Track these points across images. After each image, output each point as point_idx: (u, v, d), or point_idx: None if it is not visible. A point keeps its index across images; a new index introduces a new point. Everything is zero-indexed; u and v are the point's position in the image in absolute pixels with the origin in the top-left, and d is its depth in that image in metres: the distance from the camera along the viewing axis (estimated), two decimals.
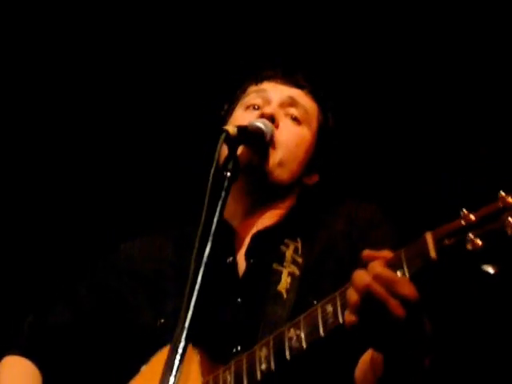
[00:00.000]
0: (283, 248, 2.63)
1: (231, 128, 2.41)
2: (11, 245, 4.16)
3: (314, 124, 2.83)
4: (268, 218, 2.73)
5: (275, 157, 2.67)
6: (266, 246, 2.64)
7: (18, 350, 2.76)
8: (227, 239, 2.70)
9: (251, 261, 2.63)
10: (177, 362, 1.97)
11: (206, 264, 2.11)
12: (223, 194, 2.26)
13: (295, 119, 2.77)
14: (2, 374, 2.72)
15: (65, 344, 2.75)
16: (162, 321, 2.56)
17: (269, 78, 2.86)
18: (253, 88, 2.86)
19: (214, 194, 2.24)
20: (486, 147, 3.65)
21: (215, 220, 2.19)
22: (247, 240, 2.68)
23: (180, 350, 1.98)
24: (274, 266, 2.59)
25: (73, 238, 4.15)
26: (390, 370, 2.13)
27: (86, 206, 4.18)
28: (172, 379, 1.95)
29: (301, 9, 3.96)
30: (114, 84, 4.17)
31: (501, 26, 3.65)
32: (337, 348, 2.26)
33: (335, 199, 2.90)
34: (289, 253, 2.61)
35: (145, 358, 2.53)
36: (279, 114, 2.74)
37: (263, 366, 2.19)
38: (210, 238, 2.16)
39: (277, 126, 2.70)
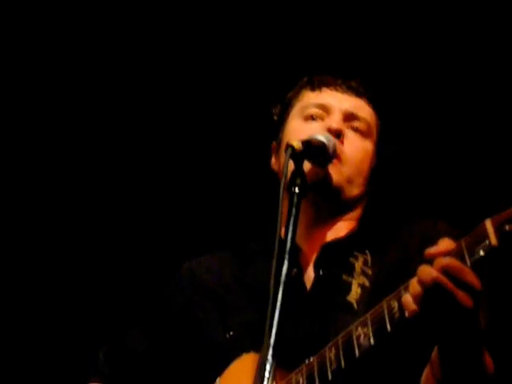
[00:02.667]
0: (352, 260, 2.64)
1: (296, 143, 2.41)
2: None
3: (374, 133, 2.81)
4: (336, 230, 2.74)
5: (342, 172, 2.67)
6: (336, 258, 2.65)
7: (96, 377, 2.81)
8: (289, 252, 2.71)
9: (321, 271, 2.64)
10: (266, 380, 1.99)
11: (284, 282, 2.13)
12: (294, 210, 2.27)
13: (359, 132, 2.75)
14: None
15: (141, 368, 2.80)
16: (231, 333, 2.59)
17: (327, 85, 2.82)
18: (310, 95, 2.82)
19: (278, 211, 2.23)
20: None
21: (289, 237, 2.21)
22: (313, 252, 2.69)
23: (268, 367, 2.01)
24: (344, 277, 2.60)
25: (127, 261, 4.20)
26: (448, 367, 2.17)
27: (151, 224, 4.21)
28: None
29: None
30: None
31: None
32: (404, 345, 2.30)
33: (403, 213, 2.91)
34: (358, 265, 2.62)
35: (216, 373, 2.57)
36: (344, 129, 2.72)
37: (333, 366, 2.21)
38: (287, 256, 2.18)
39: (342, 142, 2.69)
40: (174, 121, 4.22)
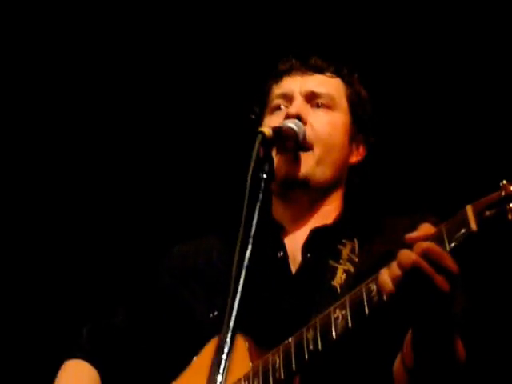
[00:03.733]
0: (340, 246, 2.66)
1: (267, 130, 2.42)
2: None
3: (344, 103, 2.81)
4: (324, 215, 2.76)
5: (311, 158, 2.69)
6: (324, 243, 2.67)
7: (77, 353, 2.83)
8: (276, 235, 2.74)
9: (308, 255, 2.66)
10: (223, 362, 1.99)
11: (247, 266, 2.13)
12: (260, 195, 2.27)
13: (323, 107, 2.76)
14: (62, 377, 2.78)
15: (122, 344, 2.81)
16: (216, 313, 2.61)
17: (287, 73, 2.84)
18: (274, 88, 2.85)
19: (252, 196, 2.25)
20: None
21: (254, 222, 2.21)
22: (301, 236, 2.71)
23: (226, 350, 2.01)
24: (330, 262, 2.61)
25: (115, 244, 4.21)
26: (419, 353, 2.19)
27: (134, 210, 4.23)
28: (219, 378, 1.97)
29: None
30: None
31: None
32: (380, 330, 2.32)
33: (391, 203, 2.89)
34: (345, 251, 2.64)
35: (196, 351, 2.59)
36: (305, 110, 2.74)
37: (311, 347, 2.22)
38: (250, 240, 2.18)
39: (305, 123, 2.70)
40: (164, 112, 4.24)
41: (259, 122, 2.84)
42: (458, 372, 2.25)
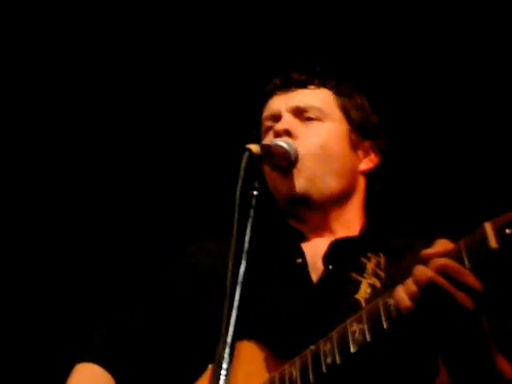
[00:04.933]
0: (364, 260, 2.64)
1: (254, 147, 2.41)
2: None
3: (336, 112, 2.78)
4: (344, 223, 2.75)
5: (305, 173, 2.67)
6: (347, 255, 2.65)
7: (89, 356, 2.80)
8: (294, 241, 2.74)
9: (330, 267, 2.64)
10: (223, 377, 1.98)
11: (242, 282, 2.13)
12: (251, 212, 2.28)
13: (312, 120, 2.75)
14: (73, 380, 2.75)
15: (136, 346, 2.78)
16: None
17: (271, 93, 2.85)
18: (264, 110, 2.86)
19: (243, 213, 2.25)
20: None
21: (247, 239, 2.21)
22: (322, 244, 2.70)
23: (224, 366, 2.00)
24: (353, 275, 2.60)
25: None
26: (455, 374, 2.15)
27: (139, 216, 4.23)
28: None
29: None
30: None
31: None
32: (405, 346, 2.31)
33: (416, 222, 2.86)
34: (370, 265, 2.62)
35: (211, 355, 2.56)
36: (294, 125, 2.73)
37: (328, 360, 2.22)
38: (244, 256, 2.18)
39: (296, 138, 2.70)
40: (169, 113, 4.24)
41: None
42: None
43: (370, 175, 2.83)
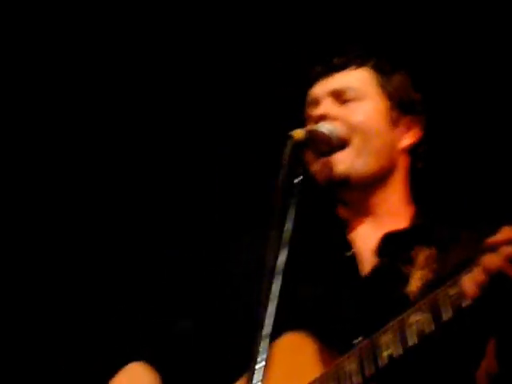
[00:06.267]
0: (416, 252, 2.60)
1: (297, 133, 2.39)
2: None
3: (375, 90, 2.76)
4: (390, 207, 2.71)
5: (350, 153, 2.65)
6: (399, 248, 2.61)
7: (139, 357, 2.76)
8: (341, 232, 2.71)
9: (381, 260, 2.61)
10: (257, 372, 1.95)
11: (280, 272, 2.09)
12: (294, 200, 2.24)
13: (350, 101, 2.73)
14: (120, 376, 2.72)
15: (187, 347, 2.75)
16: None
17: (313, 81, 2.84)
18: (307, 98, 2.85)
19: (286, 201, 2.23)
20: None
21: (289, 227, 2.17)
22: (371, 236, 2.66)
23: (264, 356, 1.97)
24: (404, 268, 2.56)
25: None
26: (506, 361, 2.14)
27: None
28: None
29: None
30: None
31: None
32: (462, 335, 2.26)
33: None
34: (422, 257, 2.58)
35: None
36: (333, 109, 2.71)
37: (388, 352, 2.19)
38: (286, 246, 2.14)
39: (335, 119, 2.68)
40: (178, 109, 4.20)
41: None
42: None
43: (412, 152, 2.78)
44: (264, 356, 1.95)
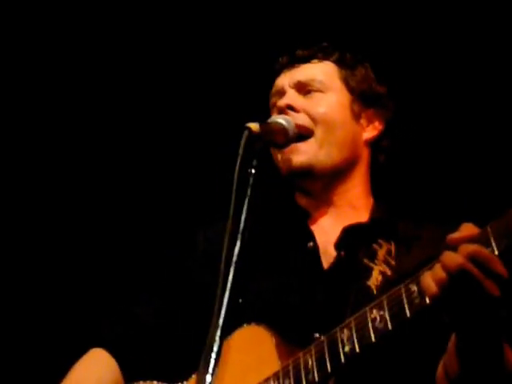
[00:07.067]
0: (376, 246, 2.62)
1: (253, 125, 2.39)
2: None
3: (338, 83, 2.81)
4: (350, 199, 2.73)
5: (313, 144, 2.69)
6: (359, 241, 2.63)
7: (97, 342, 2.76)
8: (302, 223, 2.72)
9: (342, 253, 2.61)
10: (212, 361, 1.91)
11: (236, 262, 2.07)
12: (249, 191, 2.23)
13: (314, 92, 2.77)
14: (78, 365, 2.72)
15: (144, 333, 2.74)
16: (240, 301, 2.52)
17: (278, 72, 2.90)
18: (273, 88, 2.90)
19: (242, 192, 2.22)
20: None
21: (242, 218, 2.15)
22: (332, 228, 2.68)
23: (215, 349, 1.94)
24: (365, 261, 2.57)
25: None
26: (465, 359, 2.12)
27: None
28: (209, 378, 1.90)
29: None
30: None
31: None
32: (421, 333, 2.25)
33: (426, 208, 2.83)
34: (381, 252, 2.60)
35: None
36: (296, 100, 2.75)
37: (346, 348, 2.17)
38: (239, 236, 2.12)
39: (298, 111, 2.72)
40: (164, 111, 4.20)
41: None
42: (506, 380, 2.17)
43: (374, 145, 2.82)
44: (215, 348, 1.93)
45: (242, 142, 2.29)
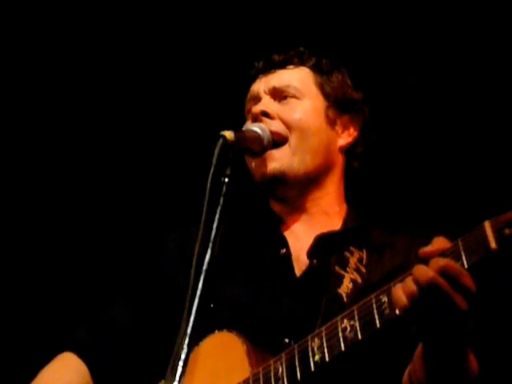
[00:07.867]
0: (347, 254, 2.63)
1: (228, 133, 2.41)
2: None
3: (313, 89, 2.81)
4: (324, 206, 2.74)
5: (287, 151, 2.68)
6: (331, 249, 2.64)
7: (69, 347, 2.74)
8: (275, 228, 2.73)
9: (314, 261, 2.62)
10: (180, 368, 1.94)
11: (206, 271, 2.11)
12: (221, 200, 2.26)
13: (290, 98, 2.76)
14: (46, 369, 2.70)
15: (118, 337, 2.73)
16: (212, 306, 2.53)
17: (254, 77, 2.89)
18: (248, 93, 2.89)
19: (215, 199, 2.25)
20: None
21: (214, 226, 2.18)
22: (305, 236, 2.69)
23: (183, 356, 1.96)
24: (337, 269, 2.58)
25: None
26: (431, 367, 2.16)
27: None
28: None
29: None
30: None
31: None
32: (389, 342, 2.26)
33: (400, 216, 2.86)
34: (353, 260, 2.61)
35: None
36: (271, 106, 2.75)
37: (316, 357, 2.19)
38: (210, 245, 2.15)
39: (273, 118, 2.72)
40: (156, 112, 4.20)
41: None
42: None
43: (348, 151, 2.82)
44: (183, 356, 1.95)
45: (216, 150, 2.31)
